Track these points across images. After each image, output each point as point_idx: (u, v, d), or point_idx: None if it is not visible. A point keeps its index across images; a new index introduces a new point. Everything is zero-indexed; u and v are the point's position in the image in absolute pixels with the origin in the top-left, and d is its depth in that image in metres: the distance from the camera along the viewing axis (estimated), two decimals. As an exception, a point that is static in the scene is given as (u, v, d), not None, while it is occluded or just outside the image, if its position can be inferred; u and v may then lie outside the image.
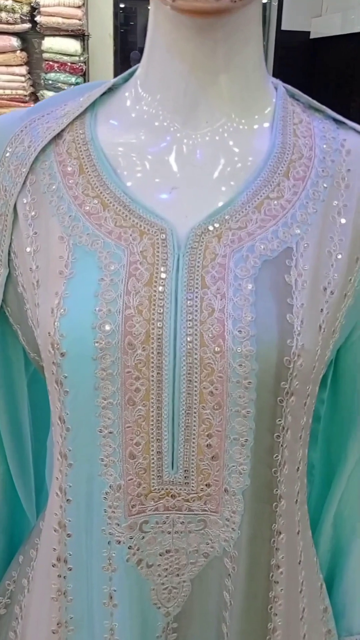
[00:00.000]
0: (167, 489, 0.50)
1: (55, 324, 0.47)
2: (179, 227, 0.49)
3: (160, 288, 0.48)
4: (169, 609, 0.52)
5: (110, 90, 0.57)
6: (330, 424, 0.64)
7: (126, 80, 0.57)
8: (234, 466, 0.49)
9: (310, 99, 0.59)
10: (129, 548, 0.50)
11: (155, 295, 0.47)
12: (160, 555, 0.51)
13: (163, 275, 0.48)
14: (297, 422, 0.51)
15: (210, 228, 0.49)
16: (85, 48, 3.02)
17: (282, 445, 0.50)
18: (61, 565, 0.53)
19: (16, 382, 0.62)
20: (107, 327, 0.47)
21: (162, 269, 0.48)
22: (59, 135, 0.54)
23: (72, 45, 2.95)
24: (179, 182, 0.52)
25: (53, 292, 0.49)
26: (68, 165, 0.53)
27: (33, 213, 0.52)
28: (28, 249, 0.52)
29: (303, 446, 0.54)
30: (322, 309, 0.50)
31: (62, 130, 0.54)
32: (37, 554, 0.57)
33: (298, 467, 0.53)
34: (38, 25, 2.89)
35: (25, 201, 0.53)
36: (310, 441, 0.57)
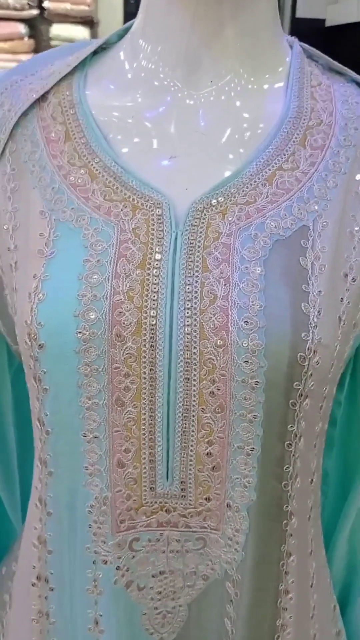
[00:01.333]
0: (160, 502, 0.43)
1: (33, 310, 0.41)
2: (177, 202, 0.43)
3: (155, 271, 0.41)
4: (162, 635, 0.46)
5: (103, 49, 0.51)
6: (347, 429, 0.58)
7: (121, 37, 0.51)
8: (237, 478, 0.43)
9: (330, 60, 0.52)
10: (116, 569, 0.44)
11: (148, 280, 0.41)
12: (153, 577, 0.45)
13: (158, 257, 0.42)
14: (311, 428, 0.44)
15: (214, 202, 0.43)
16: (94, 35, 2.95)
17: (293, 455, 0.43)
18: (42, 584, 0.47)
19: (-2, 378, 0.56)
20: (92, 315, 0.40)
21: (157, 249, 0.42)
22: (43, 98, 0.48)
23: (81, 32, 2.88)
24: (179, 150, 0.45)
25: (31, 275, 0.43)
26: (52, 131, 0.46)
27: (12, 185, 0.46)
28: (6, 226, 0.46)
29: (317, 455, 0.47)
30: (342, 298, 0.43)
31: (47, 93, 0.48)
32: (17, 569, 0.51)
33: (312, 480, 0.47)
34: (46, 12, 2.83)
35: (4, 172, 0.47)
36: (324, 448, 0.50)
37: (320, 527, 0.52)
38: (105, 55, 0.50)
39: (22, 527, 0.59)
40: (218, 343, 0.40)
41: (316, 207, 0.44)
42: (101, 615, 0.45)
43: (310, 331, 0.40)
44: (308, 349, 0.40)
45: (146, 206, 0.43)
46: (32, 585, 0.47)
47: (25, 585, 0.48)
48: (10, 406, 0.58)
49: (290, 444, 0.43)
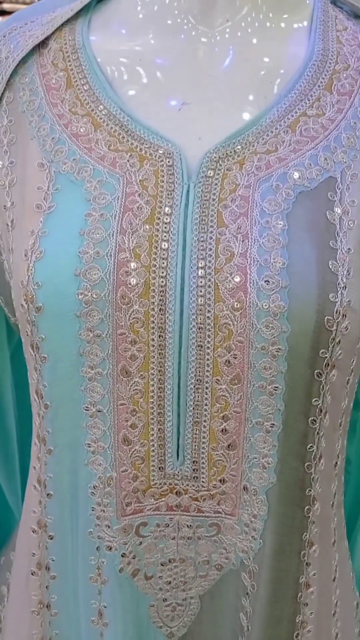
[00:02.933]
0: (170, 484, 0.39)
1: (29, 270, 0.37)
2: (189, 152, 0.39)
3: (164, 227, 0.37)
4: (172, 629, 0.42)
5: None
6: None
7: None
8: (255, 458, 0.39)
9: (356, 6, 0.47)
10: (122, 556, 0.40)
11: (157, 236, 0.37)
12: (162, 565, 0.41)
13: (168, 211, 0.38)
14: (337, 404, 0.40)
15: (230, 152, 0.39)
16: None
17: (318, 434, 0.39)
18: (42, 573, 0.43)
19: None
20: (95, 275, 0.36)
21: (166, 203, 0.38)
22: (43, 45, 0.44)
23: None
24: (191, 96, 0.41)
25: (28, 231, 0.39)
26: (53, 78, 0.43)
27: (9, 137, 0.42)
28: (2, 182, 0.42)
29: (342, 436, 0.43)
30: None
31: (48, 39, 0.44)
32: (15, 557, 0.48)
33: (336, 463, 0.43)
34: None
35: (0, 124, 0.43)
36: None
37: (343, 516, 0.48)
38: (109, 2, 0.46)
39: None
40: (235, 306, 0.36)
41: (344, 158, 0.39)
42: (105, 607, 0.41)
43: (339, 292, 0.36)
44: (336, 312, 0.36)
45: (155, 156, 0.39)
46: (32, 574, 0.43)
47: (24, 575, 0.45)
48: (10, 385, 0.54)
49: (315, 421, 0.38)
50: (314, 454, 0.39)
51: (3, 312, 0.49)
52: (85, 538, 0.41)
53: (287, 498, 0.40)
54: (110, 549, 0.40)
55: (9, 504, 0.57)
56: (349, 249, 0.37)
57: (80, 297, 0.36)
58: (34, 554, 0.43)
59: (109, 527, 0.40)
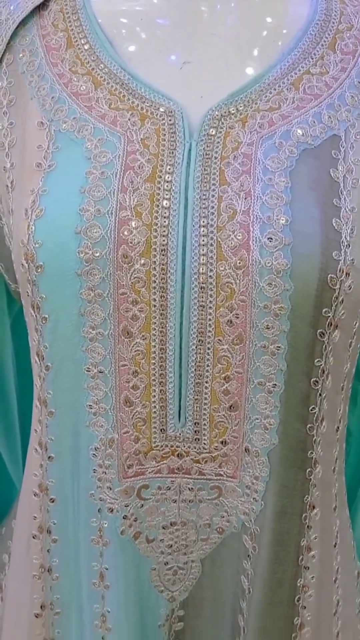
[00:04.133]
0: (172, 446, 0.39)
1: (30, 228, 0.37)
2: (191, 110, 0.39)
3: (166, 185, 0.37)
4: (173, 593, 0.43)
5: None
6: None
7: None
8: (257, 419, 0.38)
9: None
10: (123, 518, 0.40)
11: (159, 194, 0.37)
12: (164, 528, 0.41)
13: (169, 169, 0.37)
14: (339, 366, 0.40)
15: (232, 110, 0.38)
16: None
17: (320, 395, 0.39)
18: (44, 536, 0.43)
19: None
20: (96, 233, 0.36)
21: (168, 161, 0.37)
22: (43, 6, 0.44)
23: None
24: (193, 55, 0.41)
25: (28, 190, 0.38)
26: (53, 38, 0.42)
27: (9, 99, 0.42)
28: (1, 144, 0.42)
29: (344, 401, 0.43)
30: None
31: (48, 0, 0.44)
32: (16, 522, 0.48)
33: (338, 427, 0.43)
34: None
35: (0, 85, 0.42)
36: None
37: (344, 483, 0.48)
38: None
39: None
40: (237, 264, 0.36)
41: (349, 116, 0.39)
42: (107, 569, 0.41)
43: (342, 250, 0.36)
44: (340, 270, 0.36)
45: (156, 115, 0.39)
46: (33, 537, 0.43)
47: (25, 539, 0.45)
48: (11, 354, 0.54)
49: (317, 382, 0.38)
50: (316, 415, 0.39)
51: (3, 279, 0.48)
52: (86, 500, 0.41)
53: (289, 460, 0.40)
54: (112, 511, 0.40)
55: (10, 474, 0.57)
56: (352, 207, 0.37)
57: (80, 255, 0.36)
58: (35, 517, 0.43)
59: (110, 489, 0.40)
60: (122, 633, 0.42)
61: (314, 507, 0.41)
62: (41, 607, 0.44)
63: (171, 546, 0.41)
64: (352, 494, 0.55)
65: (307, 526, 0.42)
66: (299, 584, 0.42)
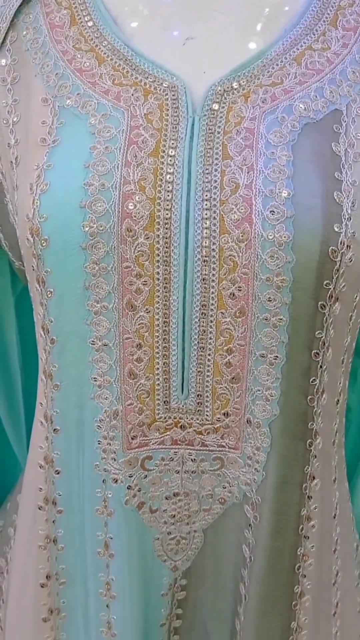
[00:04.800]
0: (175, 418, 0.40)
1: (35, 203, 0.37)
2: (194, 85, 0.39)
3: (169, 159, 0.37)
4: (176, 562, 0.44)
5: None
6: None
7: None
8: (259, 391, 0.39)
9: None
10: (127, 488, 0.41)
11: (162, 169, 0.37)
12: (167, 498, 0.42)
13: (173, 144, 0.38)
14: (340, 339, 0.40)
15: (235, 85, 0.39)
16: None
17: (321, 367, 0.40)
18: (49, 507, 0.44)
19: (0, 302, 0.53)
20: (100, 207, 0.37)
21: (171, 136, 0.38)
22: None
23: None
24: (196, 32, 0.41)
25: (33, 166, 0.39)
26: (57, 16, 0.42)
27: (13, 76, 0.42)
28: (6, 121, 0.42)
29: (344, 375, 0.44)
30: None
31: None
32: (22, 495, 0.49)
33: (338, 400, 0.43)
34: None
35: (3, 63, 0.42)
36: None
37: (344, 457, 0.49)
38: None
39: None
40: (240, 237, 0.36)
41: (350, 91, 0.39)
42: (111, 538, 0.42)
43: (343, 223, 0.36)
44: (341, 242, 0.36)
45: (159, 90, 0.39)
46: (39, 508, 0.44)
47: (31, 510, 0.46)
48: (15, 332, 0.55)
49: (318, 354, 0.39)
50: (316, 387, 0.40)
51: (7, 257, 0.49)
52: (91, 471, 0.42)
53: (290, 431, 0.40)
54: (116, 481, 0.41)
55: (14, 452, 0.58)
56: (354, 180, 0.37)
57: (85, 229, 0.37)
58: (40, 489, 0.44)
59: (114, 460, 0.41)
60: (126, 601, 0.43)
61: (314, 478, 0.42)
62: (47, 577, 0.45)
63: (174, 516, 0.42)
64: (352, 470, 0.56)
65: (307, 496, 0.42)
66: (299, 553, 0.43)
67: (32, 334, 0.46)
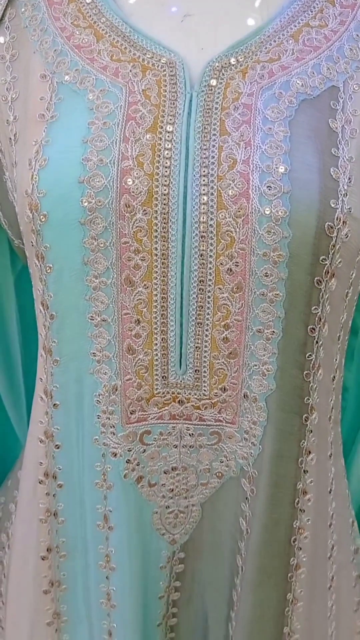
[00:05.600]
0: (173, 392, 0.41)
1: (34, 178, 0.38)
2: (192, 61, 0.39)
3: (167, 135, 0.37)
4: (174, 536, 0.44)
5: None
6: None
7: None
8: (256, 366, 0.40)
9: None
10: (126, 462, 0.42)
11: (160, 144, 0.37)
12: (165, 473, 0.42)
13: (170, 119, 0.38)
14: (336, 315, 0.41)
15: (233, 61, 0.39)
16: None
17: (317, 343, 0.40)
18: (50, 481, 0.45)
19: (0, 281, 0.53)
20: (98, 182, 0.37)
21: (169, 112, 0.38)
22: None
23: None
24: (194, 8, 0.41)
25: (31, 141, 0.39)
26: None
27: (12, 53, 0.42)
28: (4, 97, 0.42)
29: (341, 351, 0.44)
30: None
31: None
32: (22, 470, 0.50)
33: (334, 377, 0.44)
34: None
35: (2, 40, 0.43)
36: (344, 359, 0.47)
37: (340, 435, 0.50)
38: None
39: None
40: (237, 212, 0.37)
41: (347, 68, 0.39)
42: (111, 511, 0.43)
43: (340, 199, 0.37)
44: (337, 218, 0.37)
45: (157, 66, 0.39)
46: (39, 482, 0.45)
47: (32, 484, 0.46)
48: (14, 311, 0.55)
49: (314, 329, 0.40)
50: (312, 362, 0.41)
51: (6, 235, 0.49)
52: (91, 446, 0.42)
53: (286, 405, 0.41)
54: (115, 455, 0.42)
55: (14, 430, 0.59)
56: (350, 157, 0.38)
57: (84, 204, 0.37)
58: (41, 463, 0.45)
59: (114, 434, 0.41)
60: (125, 572, 0.44)
61: (309, 452, 0.43)
62: (47, 550, 0.46)
63: (172, 490, 0.43)
64: (348, 448, 0.57)
65: (303, 470, 0.43)
66: (295, 526, 0.44)
67: (31, 313, 0.46)
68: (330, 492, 0.47)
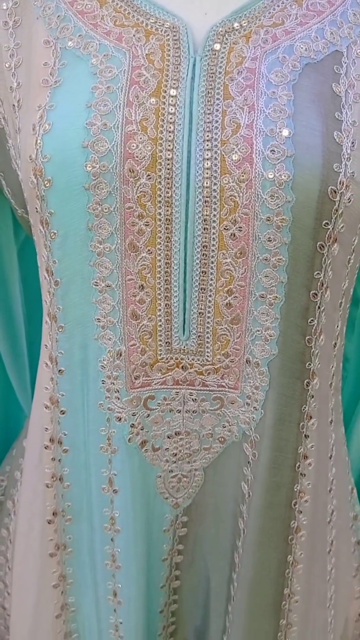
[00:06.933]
0: (177, 358, 0.41)
1: (38, 143, 0.38)
2: (195, 26, 0.39)
3: (171, 99, 0.38)
4: (177, 500, 0.45)
5: None
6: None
7: None
8: (258, 331, 0.40)
9: None
10: (131, 426, 0.42)
11: (164, 109, 0.37)
12: (169, 437, 0.43)
13: (174, 84, 0.38)
14: (338, 282, 0.41)
15: (236, 26, 0.39)
16: None
17: (319, 308, 0.41)
18: (55, 447, 0.46)
19: (3, 251, 0.53)
20: (102, 147, 0.37)
21: (173, 76, 0.38)
22: None
23: None
24: None
25: (35, 107, 0.39)
26: None
27: (15, 19, 0.42)
28: (7, 64, 0.42)
29: (342, 319, 0.45)
30: None
31: None
32: (28, 437, 0.50)
33: (335, 344, 0.44)
34: None
35: (5, 7, 0.42)
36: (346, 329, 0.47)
37: (341, 403, 0.50)
38: None
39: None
40: (241, 177, 0.37)
41: (351, 33, 0.39)
42: (115, 474, 0.44)
43: (343, 163, 0.37)
44: (340, 182, 0.37)
45: (161, 31, 0.39)
46: (45, 448, 0.46)
47: (37, 450, 0.47)
48: (18, 281, 0.55)
49: (316, 294, 0.40)
50: (314, 328, 0.41)
51: (10, 205, 0.49)
52: (95, 410, 0.43)
53: (288, 370, 0.42)
54: (120, 419, 0.42)
55: (19, 401, 0.59)
56: (353, 121, 0.38)
57: (88, 168, 0.37)
58: (46, 429, 0.45)
59: (118, 399, 0.42)
60: (129, 534, 0.45)
61: (311, 417, 0.44)
62: (53, 514, 0.47)
63: (175, 455, 0.44)
64: (348, 418, 0.58)
65: (305, 435, 0.44)
66: (295, 489, 0.45)
67: (34, 283, 0.46)
68: (330, 458, 0.48)
